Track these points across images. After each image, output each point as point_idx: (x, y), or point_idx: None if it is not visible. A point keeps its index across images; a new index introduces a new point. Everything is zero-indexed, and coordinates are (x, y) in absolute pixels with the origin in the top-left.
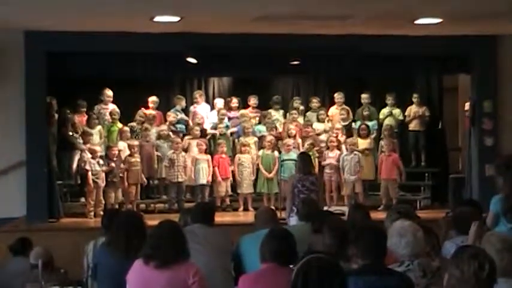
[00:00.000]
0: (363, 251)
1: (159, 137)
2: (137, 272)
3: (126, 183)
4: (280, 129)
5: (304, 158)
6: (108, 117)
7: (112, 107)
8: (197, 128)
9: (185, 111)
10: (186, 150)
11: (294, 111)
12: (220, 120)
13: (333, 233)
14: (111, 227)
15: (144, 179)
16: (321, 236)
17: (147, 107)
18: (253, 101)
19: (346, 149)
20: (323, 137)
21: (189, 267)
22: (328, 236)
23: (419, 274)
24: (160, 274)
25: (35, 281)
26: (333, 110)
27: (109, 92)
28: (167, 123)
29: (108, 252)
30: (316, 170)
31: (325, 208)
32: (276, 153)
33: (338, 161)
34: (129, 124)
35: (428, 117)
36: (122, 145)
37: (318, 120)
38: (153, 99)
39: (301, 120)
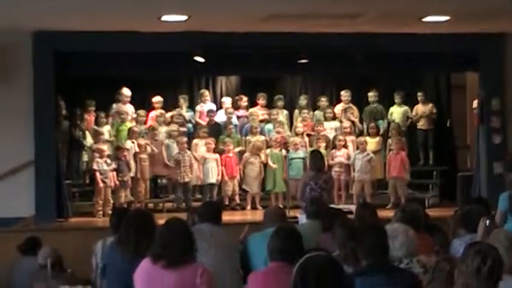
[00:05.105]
0: (365, 251)
1: (169, 136)
2: (145, 271)
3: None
4: (284, 130)
5: (317, 155)
6: (124, 116)
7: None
8: (204, 129)
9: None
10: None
11: (305, 110)
12: (228, 119)
13: (344, 231)
14: (120, 226)
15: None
16: (331, 234)
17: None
18: (262, 100)
19: (357, 148)
20: (330, 135)
21: (197, 267)
22: (340, 235)
23: (421, 270)
24: (168, 274)
25: (43, 281)
26: (339, 108)
27: (126, 92)
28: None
29: (118, 251)
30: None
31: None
32: (284, 151)
33: (347, 159)
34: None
35: (436, 114)
36: (129, 145)
37: (325, 119)
38: (157, 99)
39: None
